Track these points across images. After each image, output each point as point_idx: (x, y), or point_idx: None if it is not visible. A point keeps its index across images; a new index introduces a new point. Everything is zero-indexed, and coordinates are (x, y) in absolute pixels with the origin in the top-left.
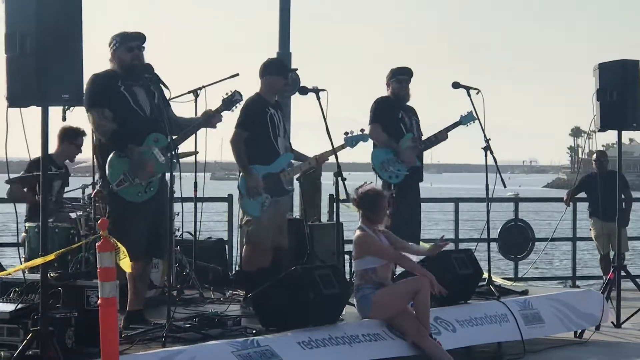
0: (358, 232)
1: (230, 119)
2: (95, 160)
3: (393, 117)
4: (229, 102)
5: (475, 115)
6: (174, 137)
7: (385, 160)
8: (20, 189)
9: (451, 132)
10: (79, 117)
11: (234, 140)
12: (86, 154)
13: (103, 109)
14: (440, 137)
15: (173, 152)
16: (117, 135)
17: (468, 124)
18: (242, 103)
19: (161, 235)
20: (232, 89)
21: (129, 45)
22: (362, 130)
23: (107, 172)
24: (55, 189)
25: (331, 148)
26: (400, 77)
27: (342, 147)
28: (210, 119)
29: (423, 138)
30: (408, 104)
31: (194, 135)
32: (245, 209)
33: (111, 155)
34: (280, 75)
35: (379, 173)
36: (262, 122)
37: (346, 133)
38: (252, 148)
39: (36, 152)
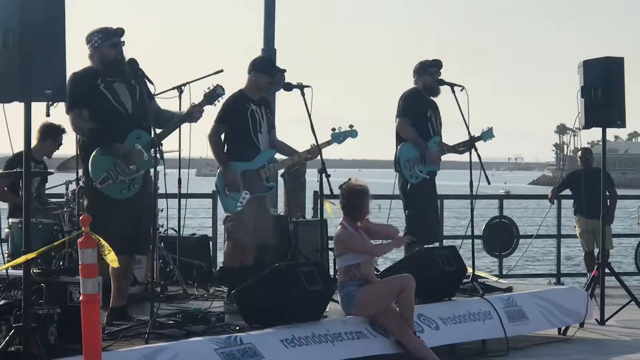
0: (339, 229)
1: (212, 115)
2: (78, 156)
3: (421, 115)
4: (211, 96)
5: (493, 133)
6: (158, 131)
7: (411, 159)
8: (2, 187)
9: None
10: (63, 113)
11: (211, 135)
12: (65, 150)
13: (81, 109)
14: (464, 147)
15: (157, 148)
16: (96, 134)
17: (487, 140)
18: (224, 98)
19: (144, 232)
20: (214, 82)
21: (112, 40)
22: (351, 126)
23: (89, 169)
24: (35, 185)
25: (317, 144)
26: (433, 70)
27: (328, 143)
28: (193, 113)
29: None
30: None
31: (178, 131)
32: (223, 205)
33: (94, 153)
34: (266, 73)
35: (402, 169)
36: (242, 118)
37: (333, 129)
38: (231, 144)
39: (18, 148)
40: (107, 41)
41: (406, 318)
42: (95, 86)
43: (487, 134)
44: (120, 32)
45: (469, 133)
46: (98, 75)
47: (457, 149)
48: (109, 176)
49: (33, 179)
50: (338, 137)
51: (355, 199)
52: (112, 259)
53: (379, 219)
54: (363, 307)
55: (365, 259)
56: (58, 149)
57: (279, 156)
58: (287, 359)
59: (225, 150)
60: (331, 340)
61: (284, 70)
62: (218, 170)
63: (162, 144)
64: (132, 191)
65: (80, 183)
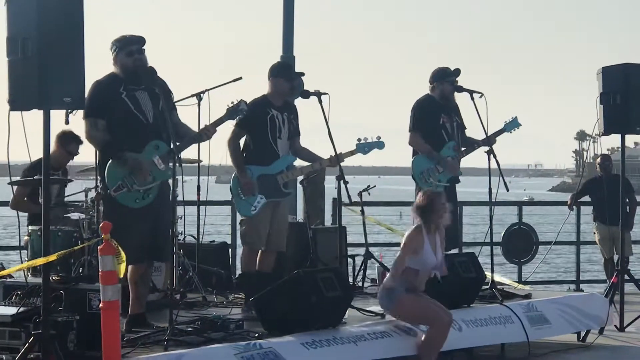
0: (412, 228)
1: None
2: (97, 163)
3: (434, 123)
4: (234, 111)
5: (519, 121)
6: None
7: (425, 170)
8: (22, 197)
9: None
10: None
11: (230, 139)
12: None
13: (96, 119)
14: (482, 144)
15: (176, 158)
16: (109, 145)
17: (512, 130)
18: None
19: (162, 239)
20: (238, 98)
21: (129, 49)
22: (378, 137)
23: (105, 178)
24: (54, 193)
25: (340, 152)
26: (452, 79)
27: (352, 152)
28: (202, 136)
29: (465, 146)
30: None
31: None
32: (237, 208)
33: (110, 162)
34: (283, 78)
35: (419, 182)
36: (261, 123)
37: (359, 139)
38: (250, 148)
39: (37, 156)
40: (123, 50)
41: (424, 354)
42: (116, 93)
43: (512, 125)
44: (137, 39)
45: (488, 139)
46: (121, 82)
47: (478, 146)
48: (124, 184)
49: (52, 187)
50: (363, 147)
51: (425, 204)
52: (122, 270)
53: (400, 227)
54: (398, 311)
55: (427, 271)
56: (70, 158)
57: (298, 163)
58: None
59: (244, 155)
60: (354, 341)
61: (302, 74)
62: (233, 174)
63: (180, 155)
64: (147, 200)
65: (99, 189)
